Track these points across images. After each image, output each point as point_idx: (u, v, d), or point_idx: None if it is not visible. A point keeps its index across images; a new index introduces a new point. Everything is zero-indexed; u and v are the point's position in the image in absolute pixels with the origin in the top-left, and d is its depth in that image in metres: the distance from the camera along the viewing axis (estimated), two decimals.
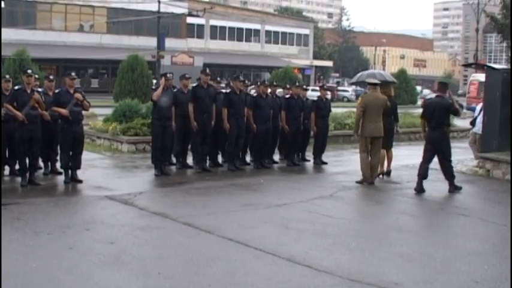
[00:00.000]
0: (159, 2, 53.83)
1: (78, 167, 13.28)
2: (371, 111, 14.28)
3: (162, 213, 10.54)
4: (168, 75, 14.63)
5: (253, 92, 16.87)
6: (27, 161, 12.63)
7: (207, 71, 15.41)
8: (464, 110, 17.28)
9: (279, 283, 7.14)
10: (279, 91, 17.31)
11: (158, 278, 7.17)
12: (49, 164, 14.20)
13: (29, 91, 12.47)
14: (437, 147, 13.63)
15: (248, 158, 16.59)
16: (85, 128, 14.87)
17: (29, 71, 12.87)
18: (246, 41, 79.77)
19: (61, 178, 13.35)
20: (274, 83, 17.38)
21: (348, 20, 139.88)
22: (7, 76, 13.56)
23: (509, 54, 26.40)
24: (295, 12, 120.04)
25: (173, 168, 15.49)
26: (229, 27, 77.49)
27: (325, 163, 17.12)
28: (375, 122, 14.26)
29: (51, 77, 14.67)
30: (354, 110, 17.83)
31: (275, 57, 78.82)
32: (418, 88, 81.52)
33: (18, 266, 7.35)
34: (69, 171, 13.13)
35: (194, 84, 15.33)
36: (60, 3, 62.73)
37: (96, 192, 12.28)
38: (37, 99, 12.42)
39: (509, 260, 8.17)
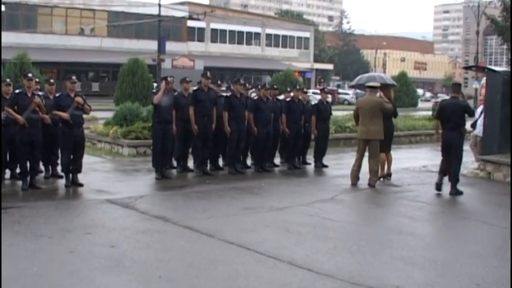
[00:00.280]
0: (160, 6, 53.88)
1: (79, 171, 13.28)
2: (363, 114, 14.47)
3: (163, 216, 10.53)
4: (168, 78, 14.65)
5: (253, 95, 16.87)
6: (28, 164, 12.63)
7: (208, 74, 15.42)
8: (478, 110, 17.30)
9: (280, 287, 7.14)
10: (281, 97, 17.28)
11: (159, 281, 7.17)
12: (50, 167, 14.20)
13: (29, 95, 12.48)
14: (453, 147, 13.62)
15: (249, 162, 16.59)
16: (86, 131, 14.88)
17: (30, 75, 12.87)
18: (246, 44, 79.84)
19: (62, 182, 13.36)
20: (275, 87, 17.37)
21: (348, 23, 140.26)
22: (8, 80, 13.58)
23: (510, 57, 26.37)
24: (295, 15, 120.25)
25: (174, 171, 15.50)
26: (230, 31, 77.56)
27: (326, 166, 17.12)
28: (367, 125, 14.38)
29: (51, 80, 14.69)
30: None
31: (276, 60, 78.87)
32: (419, 91, 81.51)
33: (19, 270, 7.35)
34: (70, 175, 13.12)
35: (195, 88, 15.34)
36: (60, 6, 62.79)
37: (97, 196, 12.28)
38: (38, 103, 12.42)
39: (510, 262, 8.17)
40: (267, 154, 16.37)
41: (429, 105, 44.24)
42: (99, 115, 25.64)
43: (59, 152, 13.55)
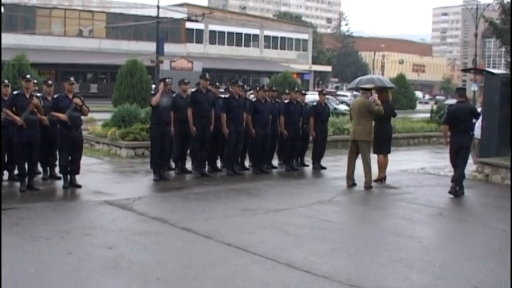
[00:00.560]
0: (158, 7, 53.88)
1: (77, 172, 13.27)
2: (353, 115, 14.81)
3: (161, 218, 10.53)
4: (167, 80, 14.64)
5: (252, 97, 16.88)
6: (26, 165, 12.62)
7: (207, 76, 15.42)
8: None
9: None
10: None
11: (157, 283, 7.17)
12: (48, 168, 14.19)
13: (28, 96, 12.47)
14: (462, 150, 13.79)
15: (247, 163, 16.59)
16: (84, 132, 14.89)
17: (28, 76, 12.87)
18: (245, 46, 79.88)
19: (60, 183, 13.35)
20: (274, 88, 17.38)
21: (346, 25, 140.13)
22: (6, 81, 13.58)
23: (508, 59, 26.38)
24: (294, 17, 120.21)
25: (172, 173, 15.50)
26: (228, 32, 77.60)
27: (324, 168, 17.13)
28: (355, 125, 14.68)
29: (50, 81, 14.68)
30: None
31: (274, 62, 78.90)
32: (418, 93, 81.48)
33: (17, 271, 7.34)
34: (68, 176, 13.12)
35: (193, 89, 15.34)
36: (59, 8, 62.85)
37: (95, 197, 12.27)
38: (36, 104, 12.42)
39: (509, 265, 8.17)
40: (265, 156, 16.37)
41: (428, 107, 44.20)
42: (98, 116, 25.65)
43: (57, 153, 13.54)
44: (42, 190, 12.83)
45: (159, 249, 8.68)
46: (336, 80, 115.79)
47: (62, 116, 12.79)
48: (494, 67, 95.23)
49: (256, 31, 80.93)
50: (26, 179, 12.66)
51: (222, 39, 77.32)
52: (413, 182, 15.57)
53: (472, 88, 77.26)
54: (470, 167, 17.38)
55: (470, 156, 17.47)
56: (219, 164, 16.26)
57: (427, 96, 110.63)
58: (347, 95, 72.90)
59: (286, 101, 16.84)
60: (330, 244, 9.19)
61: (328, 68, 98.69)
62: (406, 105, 55.97)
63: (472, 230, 10.85)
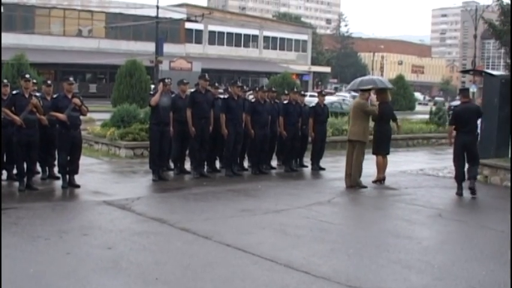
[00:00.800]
0: (158, 7, 53.87)
1: (76, 172, 13.26)
2: (350, 116, 15.09)
3: (159, 218, 10.52)
4: (166, 80, 14.63)
5: (251, 98, 16.88)
6: (24, 165, 12.61)
7: (206, 76, 15.42)
8: None
9: None
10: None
11: (156, 283, 7.16)
12: (47, 168, 14.18)
13: (27, 96, 12.46)
14: (470, 150, 13.97)
15: (246, 164, 16.58)
16: (83, 133, 14.89)
17: (27, 76, 12.86)
18: (244, 46, 79.91)
19: (59, 183, 13.34)
20: (273, 89, 17.38)
21: (346, 25, 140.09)
22: (5, 81, 13.56)
23: (507, 60, 26.37)
24: (293, 18, 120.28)
25: (171, 173, 15.49)
26: (228, 33, 77.62)
27: (323, 169, 17.14)
28: (351, 126, 14.86)
29: (49, 81, 14.70)
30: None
31: (273, 62, 78.93)
32: (418, 95, 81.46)
33: (15, 271, 7.33)
34: (67, 176, 13.11)
35: (192, 90, 15.34)
36: (58, 8, 62.85)
37: (94, 197, 12.26)
38: (35, 104, 12.41)
39: (507, 266, 8.17)
40: (264, 156, 16.37)
41: (427, 108, 44.21)
42: (97, 116, 25.67)
43: (56, 153, 13.53)
44: (41, 190, 12.82)
45: (158, 249, 8.67)
46: (335, 80, 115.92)
47: (61, 116, 12.78)
48: (493, 68, 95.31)
49: (255, 32, 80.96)
50: (25, 179, 12.65)
51: (222, 40, 77.34)
52: (412, 183, 15.57)
53: (471, 89, 77.23)
54: None
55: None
56: (218, 164, 16.25)
57: (428, 98, 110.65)
58: (346, 96, 73.00)
59: (285, 102, 16.84)
60: (329, 245, 9.19)
61: (328, 69, 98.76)
62: (405, 106, 56.04)
63: (471, 231, 10.85)
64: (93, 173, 15.29)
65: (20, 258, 7.88)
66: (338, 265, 8.16)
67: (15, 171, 13.10)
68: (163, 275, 7.46)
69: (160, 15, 54.57)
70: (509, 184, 14.96)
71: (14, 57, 36.89)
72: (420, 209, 12.31)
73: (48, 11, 62.88)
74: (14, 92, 12.81)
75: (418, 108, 63.71)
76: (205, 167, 15.68)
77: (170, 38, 65.73)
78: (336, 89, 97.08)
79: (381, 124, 15.17)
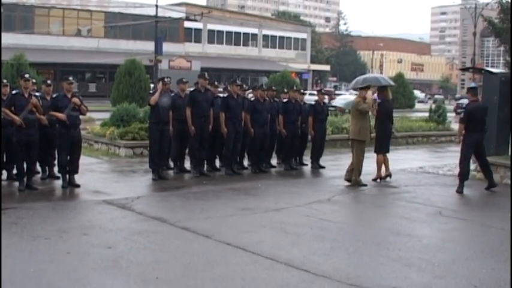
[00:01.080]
0: (157, 7, 53.87)
1: (76, 172, 13.26)
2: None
3: (159, 217, 10.52)
4: (165, 79, 14.62)
5: (250, 96, 16.88)
6: (24, 165, 12.60)
7: (206, 75, 15.42)
8: None
9: (276, 287, 7.13)
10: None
11: (156, 282, 7.16)
12: (47, 168, 14.18)
13: (26, 95, 12.46)
14: (479, 148, 14.24)
15: (246, 162, 16.58)
16: (83, 132, 14.88)
17: (27, 76, 12.86)
18: (243, 45, 79.90)
19: (59, 182, 13.34)
20: (273, 88, 17.38)
21: (345, 24, 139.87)
22: (5, 80, 13.55)
23: (507, 58, 26.34)
24: (292, 16, 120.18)
25: (171, 172, 15.50)
26: (227, 32, 77.62)
27: (323, 167, 17.13)
28: (350, 124, 15.21)
29: (48, 81, 14.70)
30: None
31: (272, 61, 78.91)
32: (418, 93, 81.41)
33: (15, 271, 7.33)
34: (67, 176, 13.11)
35: (192, 89, 15.33)
36: (58, 7, 62.85)
37: (94, 197, 12.26)
38: (35, 104, 12.41)
39: (508, 264, 8.17)
40: (264, 155, 16.37)
41: (426, 106, 44.22)
42: (96, 116, 25.68)
43: (56, 152, 13.53)
44: (41, 190, 12.82)
45: (158, 248, 8.67)
46: (335, 79, 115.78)
47: (61, 116, 12.78)
48: (492, 66, 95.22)
49: (254, 30, 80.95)
50: (25, 179, 12.65)
51: (221, 39, 77.34)
52: (412, 181, 15.58)
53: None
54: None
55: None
56: (217, 163, 16.25)
57: (428, 96, 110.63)
58: (345, 94, 72.96)
59: (284, 100, 16.84)
60: (329, 243, 9.19)
61: (327, 67, 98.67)
62: (405, 104, 56.05)
63: (471, 229, 10.85)
64: (93, 172, 15.29)
65: (20, 258, 7.88)
66: (338, 263, 8.16)
67: (15, 171, 13.11)
68: (164, 274, 7.46)
69: (159, 14, 54.60)
70: (509, 182, 14.96)
71: (13, 57, 36.85)
72: (420, 207, 12.31)
73: (48, 11, 62.90)
74: (14, 91, 12.81)
75: (417, 106, 63.72)
76: (205, 165, 15.68)
77: (169, 37, 65.72)
78: (335, 87, 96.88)
79: (383, 122, 15.22)
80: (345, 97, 27.25)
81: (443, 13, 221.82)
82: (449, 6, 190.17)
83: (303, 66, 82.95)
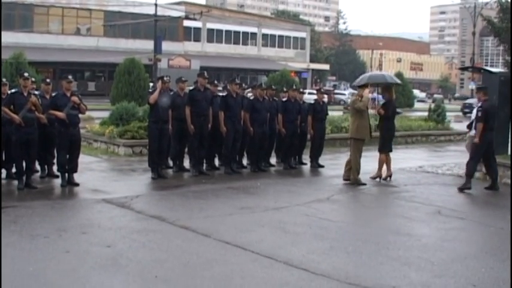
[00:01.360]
0: (156, 5, 53.85)
1: (75, 170, 13.26)
2: None
3: (159, 216, 10.52)
4: (165, 78, 14.61)
5: (250, 95, 16.87)
6: (23, 164, 12.60)
7: (205, 74, 15.42)
8: None
9: (276, 286, 7.13)
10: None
11: (155, 281, 7.16)
12: (46, 167, 14.19)
13: (25, 94, 12.47)
14: (490, 147, 14.36)
15: (245, 161, 16.58)
16: (82, 131, 14.86)
17: (26, 74, 12.85)
18: (242, 44, 79.86)
19: (58, 181, 13.34)
20: (273, 87, 17.39)
21: (344, 23, 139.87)
22: (4, 79, 13.55)
23: (506, 58, 26.37)
24: (291, 15, 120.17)
25: (170, 171, 15.49)
26: (226, 31, 77.58)
27: (322, 166, 17.13)
28: (349, 123, 15.34)
29: (48, 80, 14.68)
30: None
31: (272, 60, 78.88)
32: (416, 92, 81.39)
33: (14, 269, 7.33)
34: (66, 174, 13.11)
35: (191, 88, 15.33)
36: (57, 6, 62.80)
37: (93, 196, 12.26)
38: (34, 102, 12.41)
39: (507, 263, 8.18)
40: (263, 154, 16.38)
41: (425, 105, 44.25)
42: (95, 115, 25.64)
43: (55, 151, 13.53)
44: (40, 188, 12.81)
45: (157, 247, 8.67)
46: (334, 78, 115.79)
47: (60, 114, 12.77)
48: (492, 65, 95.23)
49: (254, 29, 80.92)
50: (24, 177, 12.65)
51: (220, 38, 77.30)
52: (412, 180, 15.58)
53: (470, 87, 77.35)
54: None
55: (468, 155, 17.52)
56: (217, 162, 16.25)
57: (423, 94, 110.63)
58: (345, 93, 73.05)
59: (284, 99, 16.84)
60: (328, 242, 9.19)
61: (326, 66, 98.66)
62: (404, 104, 56.01)
63: (470, 228, 10.85)
64: (92, 171, 15.28)
65: (19, 257, 7.87)
66: (337, 262, 8.16)
67: (14, 169, 13.10)
68: (163, 272, 7.46)
69: (158, 13, 54.58)
70: (508, 181, 14.96)
71: (12, 56, 36.82)
72: (419, 206, 12.32)
73: (47, 10, 62.86)
74: (13, 90, 12.81)
75: (417, 105, 63.73)
76: (204, 164, 15.68)
77: (169, 36, 65.73)
78: (334, 86, 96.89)
79: (389, 122, 15.31)
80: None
81: (443, 12, 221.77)
82: (448, 5, 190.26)
83: (302, 65, 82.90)
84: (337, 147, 21.57)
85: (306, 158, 17.51)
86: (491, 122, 14.17)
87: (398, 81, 17.19)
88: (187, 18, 61.85)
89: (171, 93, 14.92)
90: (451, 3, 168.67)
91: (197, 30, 73.98)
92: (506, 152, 15.92)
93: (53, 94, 13.57)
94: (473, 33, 73.31)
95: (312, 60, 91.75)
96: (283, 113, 16.44)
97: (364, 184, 14.42)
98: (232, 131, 15.24)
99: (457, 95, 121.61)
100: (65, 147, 13.01)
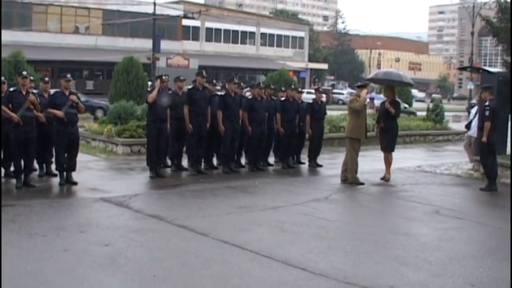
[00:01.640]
0: (155, 4, 53.83)
1: (73, 169, 13.26)
2: None
3: (157, 215, 10.52)
4: (163, 77, 14.61)
5: (248, 95, 16.86)
6: (22, 162, 12.60)
7: (204, 73, 15.41)
8: None
9: (274, 286, 7.13)
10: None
11: (153, 280, 7.16)
12: (44, 165, 14.19)
13: (24, 93, 12.46)
14: (495, 146, 14.43)
15: (243, 161, 16.59)
16: (80, 130, 14.85)
17: (24, 73, 12.84)
18: (241, 43, 79.84)
19: (56, 180, 13.34)
20: (272, 87, 17.40)
21: (343, 22, 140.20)
22: (2, 78, 13.54)
23: (505, 57, 26.41)
24: (290, 14, 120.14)
25: (168, 170, 15.49)
26: (225, 30, 77.57)
27: (320, 166, 17.13)
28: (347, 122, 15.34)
29: (46, 78, 14.68)
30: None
31: (270, 59, 78.84)
32: (415, 92, 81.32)
33: (12, 268, 7.33)
34: (64, 173, 13.11)
35: (189, 87, 15.33)
36: (55, 5, 62.75)
37: (91, 194, 12.26)
38: (32, 101, 12.40)
39: (505, 263, 8.19)
40: (261, 153, 16.38)
41: (424, 105, 44.24)
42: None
43: (53, 150, 13.53)
44: (38, 187, 12.81)
45: (156, 246, 8.67)
46: (332, 77, 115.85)
47: (59, 113, 12.77)
48: (490, 65, 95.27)
49: (252, 28, 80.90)
50: (22, 176, 12.65)
51: (219, 37, 77.29)
52: (410, 180, 15.59)
53: (469, 86, 77.34)
54: (467, 165, 17.45)
55: (467, 155, 17.57)
56: (215, 161, 16.25)
57: (422, 94, 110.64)
58: (343, 92, 73.12)
59: (282, 99, 16.84)
60: (327, 242, 9.19)
61: (325, 66, 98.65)
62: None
63: (468, 228, 10.85)
64: (90, 170, 15.28)
65: (17, 255, 7.87)
66: (335, 262, 8.17)
67: (12, 168, 13.09)
68: (161, 271, 7.46)
69: (157, 12, 54.56)
70: (506, 181, 14.97)
71: (11, 54, 36.73)
72: (417, 205, 12.32)
73: (45, 8, 62.81)
74: (11, 89, 12.80)
75: (416, 105, 63.70)
76: (203, 163, 15.68)
77: (167, 35, 65.64)
78: (332, 86, 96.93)
79: (394, 122, 15.36)
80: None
81: (441, 12, 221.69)
82: (447, 5, 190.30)
83: (300, 65, 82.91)
84: (336, 146, 21.57)
85: (304, 157, 17.51)
86: (498, 121, 14.21)
87: (412, 83, 17.22)
88: (185, 17, 61.76)
89: (170, 92, 14.91)
90: (449, 3, 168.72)
91: (196, 29, 73.96)
92: (505, 151, 15.92)
93: (52, 93, 13.56)
94: (472, 33, 73.31)
95: (310, 60, 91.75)
96: (281, 112, 16.44)
97: (362, 183, 14.43)
98: (230, 130, 15.24)
99: (455, 95, 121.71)
100: (63, 146, 13.01)
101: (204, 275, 7.39)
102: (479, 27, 76.42)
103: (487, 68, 23.44)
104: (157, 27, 55.72)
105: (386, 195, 13.81)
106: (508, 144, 16.38)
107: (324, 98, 19.34)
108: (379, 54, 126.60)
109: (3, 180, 13.29)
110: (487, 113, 14.09)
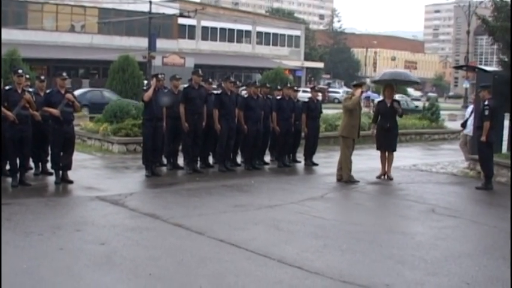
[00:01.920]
0: (151, 3, 53.75)
1: (69, 168, 13.24)
2: None
3: (152, 214, 10.51)
4: (159, 76, 14.59)
5: (244, 93, 16.86)
6: (17, 161, 12.58)
7: (200, 72, 15.42)
8: None
9: (269, 284, 7.13)
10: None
11: (149, 279, 7.15)
12: (40, 164, 14.17)
13: (19, 91, 12.43)
14: (493, 145, 14.44)
15: (239, 159, 16.58)
16: (76, 128, 14.84)
17: (20, 71, 12.82)
18: (237, 42, 79.77)
19: (52, 178, 13.32)
20: (267, 85, 17.39)
21: (339, 21, 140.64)
22: None
23: (500, 56, 26.39)
24: (286, 13, 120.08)
25: (164, 169, 15.48)
26: (221, 28, 77.50)
27: (316, 164, 17.14)
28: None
29: (42, 77, 14.64)
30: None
31: (266, 58, 78.80)
32: (410, 91, 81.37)
33: (8, 266, 7.31)
34: (60, 172, 13.09)
35: (185, 85, 15.32)
36: (51, 3, 62.59)
37: (87, 193, 12.25)
38: (28, 99, 12.38)
39: (500, 261, 8.21)
40: (257, 152, 16.37)
41: (420, 104, 44.29)
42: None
43: (49, 148, 13.51)
44: (34, 186, 12.81)
45: (151, 245, 8.66)
46: (328, 76, 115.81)
47: (54, 112, 12.75)
48: (486, 64, 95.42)
49: (248, 27, 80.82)
50: (18, 175, 12.63)
51: (215, 35, 77.22)
52: (405, 178, 15.60)
53: (464, 85, 77.45)
54: (462, 164, 17.47)
55: (462, 153, 17.60)
56: (211, 160, 16.25)
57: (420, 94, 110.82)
58: (339, 91, 73.14)
59: (278, 97, 16.84)
60: (322, 240, 9.19)
61: (321, 65, 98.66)
62: None
63: (463, 226, 10.86)
64: (86, 168, 15.27)
65: (13, 254, 7.86)
66: (331, 260, 8.17)
67: (8, 167, 13.07)
68: (157, 270, 7.45)
69: (153, 10, 54.45)
70: (502, 180, 14.98)
71: (6, 53, 36.75)
72: (413, 204, 12.33)
73: (41, 6, 62.63)
74: (7, 87, 12.77)
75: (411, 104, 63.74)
76: (199, 162, 15.68)
77: (163, 33, 65.53)
78: (328, 84, 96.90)
79: (396, 121, 15.40)
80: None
81: (437, 11, 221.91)
82: (443, 4, 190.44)
83: (296, 64, 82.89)
84: (331, 145, 21.57)
85: (300, 156, 17.52)
86: (496, 120, 14.27)
87: (419, 81, 17.28)
88: (181, 15, 61.63)
89: (166, 90, 14.90)
90: (445, 2, 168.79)
91: (191, 27, 73.86)
92: (501, 150, 15.94)
93: (47, 91, 13.54)
94: (468, 32, 73.43)
95: (306, 59, 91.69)
96: (277, 111, 16.44)
97: (357, 181, 14.45)
98: (226, 129, 15.23)
99: (451, 93, 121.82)
100: (58, 144, 13.00)
101: (199, 273, 7.39)
102: (475, 26, 76.37)
103: (482, 66, 23.47)
104: (153, 26, 55.65)
105: (382, 193, 13.82)
106: (504, 143, 16.42)
107: (319, 96, 19.33)
108: (375, 53, 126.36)
109: None
110: (486, 112, 14.07)
